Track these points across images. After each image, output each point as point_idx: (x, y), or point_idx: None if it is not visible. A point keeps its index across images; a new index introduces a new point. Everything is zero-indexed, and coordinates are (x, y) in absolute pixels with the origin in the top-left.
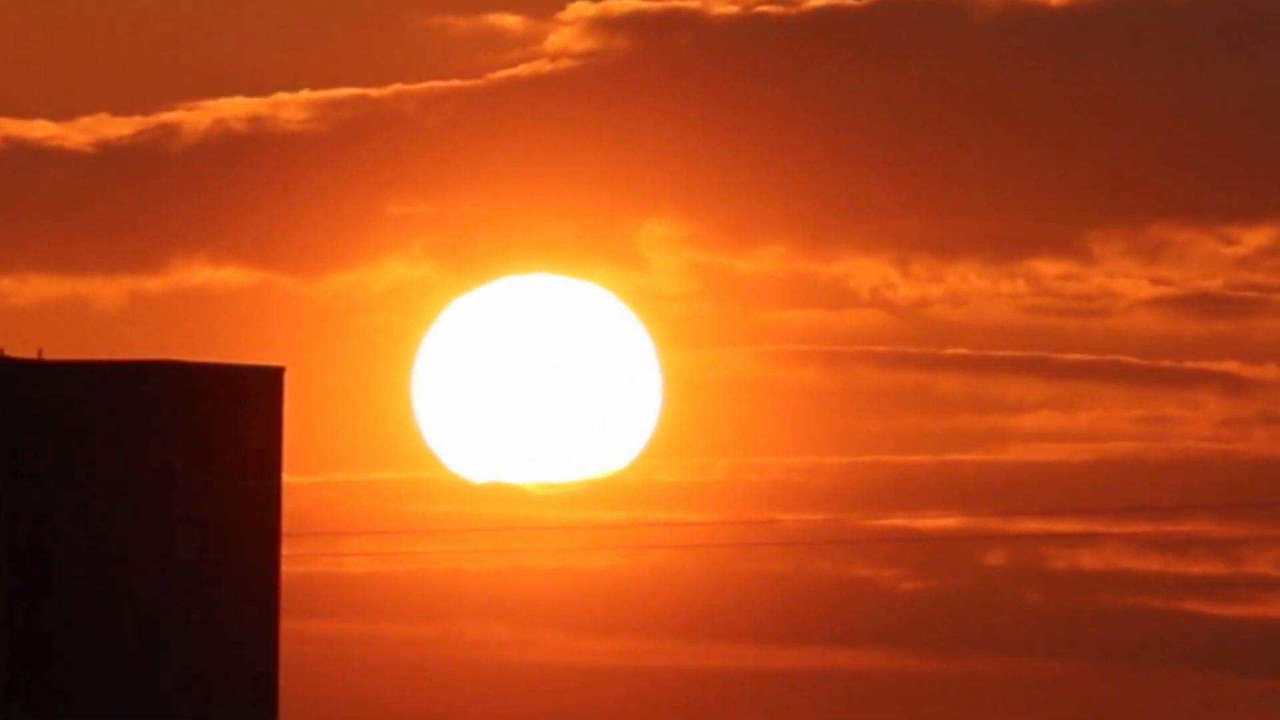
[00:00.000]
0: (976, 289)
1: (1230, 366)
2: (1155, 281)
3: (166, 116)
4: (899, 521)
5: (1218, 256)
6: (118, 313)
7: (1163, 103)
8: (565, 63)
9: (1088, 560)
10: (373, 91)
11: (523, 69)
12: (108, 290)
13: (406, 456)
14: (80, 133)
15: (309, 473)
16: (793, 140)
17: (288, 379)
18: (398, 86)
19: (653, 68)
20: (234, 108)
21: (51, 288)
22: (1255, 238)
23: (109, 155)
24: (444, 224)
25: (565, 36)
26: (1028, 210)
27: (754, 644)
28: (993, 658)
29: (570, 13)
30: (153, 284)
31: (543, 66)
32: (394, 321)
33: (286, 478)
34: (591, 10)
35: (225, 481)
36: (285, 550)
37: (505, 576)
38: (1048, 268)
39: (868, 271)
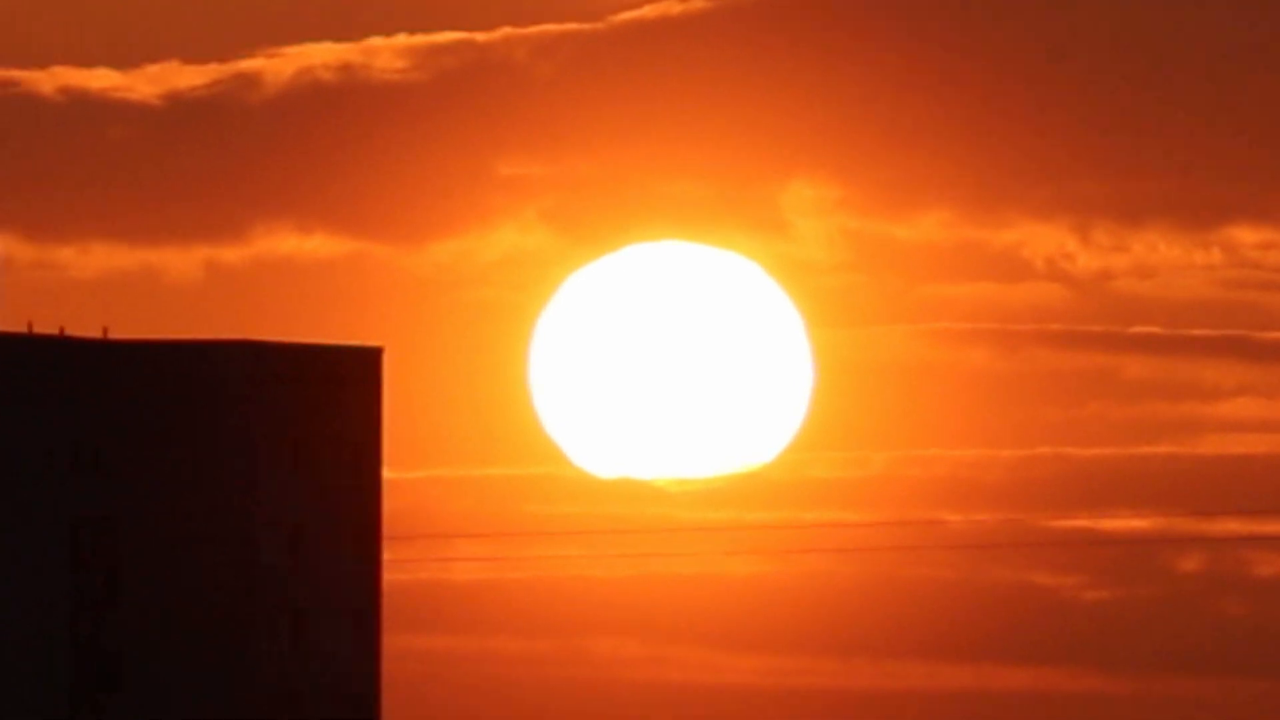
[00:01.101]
0: (1166, 259)
1: None
2: None
3: (245, 64)
4: (1082, 523)
5: None
6: (192, 286)
7: None
8: (696, 2)
9: None
10: (479, 36)
11: (649, 10)
12: (180, 261)
13: (523, 449)
14: (148, 83)
15: (412, 468)
16: (959, 91)
17: (386, 361)
18: (507, 30)
19: (796, 7)
20: (321, 54)
21: (117, 258)
22: None
23: (180, 108)
24: (561, 186)
25: None
26: (1224, 170)
27: (918, 661)
28: (1189, 677)
29: None
30: (231, 254)
31: (671, 7)
32: (506, 296)
33: (386, 473)
34: None
35: (316, 478)
36: (386, 555)
37: (636, 584)
38: (1247, 235)
39: (1043, 240)
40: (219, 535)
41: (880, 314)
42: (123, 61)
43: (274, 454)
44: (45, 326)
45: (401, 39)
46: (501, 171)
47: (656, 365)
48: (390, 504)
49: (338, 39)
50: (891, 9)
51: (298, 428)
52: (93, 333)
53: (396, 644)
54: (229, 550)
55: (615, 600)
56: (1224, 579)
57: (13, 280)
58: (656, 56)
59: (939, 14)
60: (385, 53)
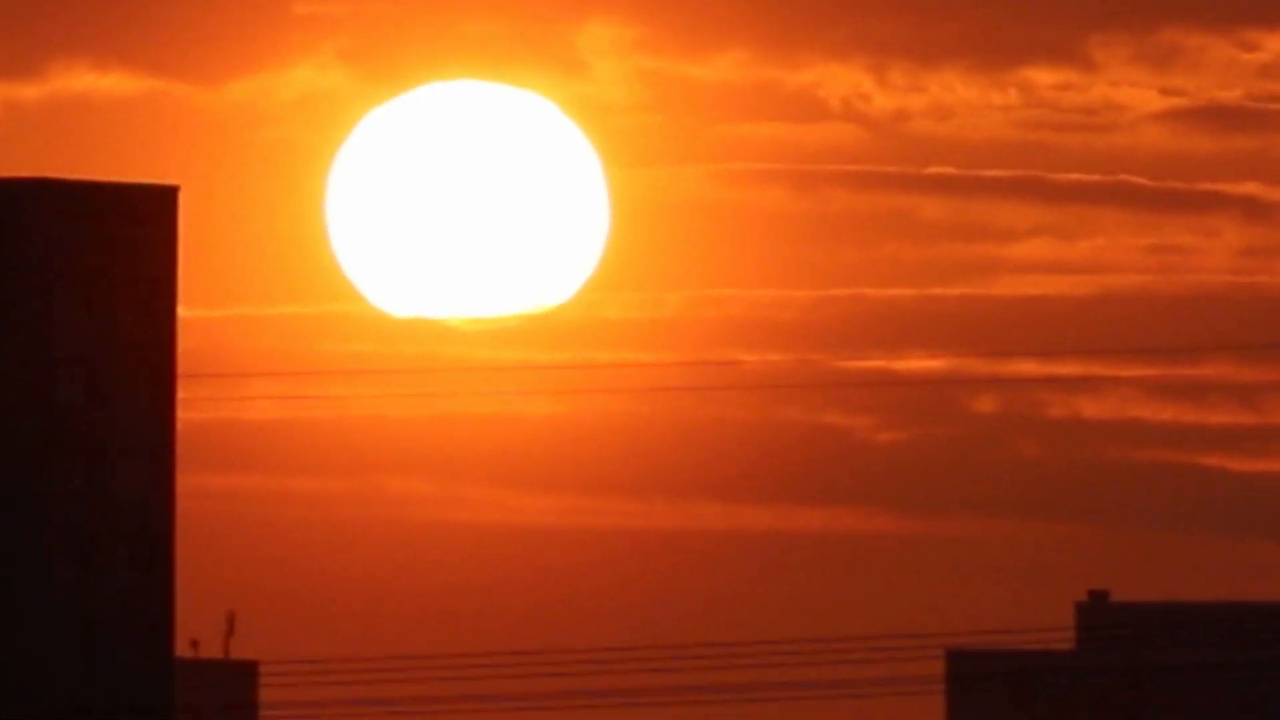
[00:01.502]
0: (963, 100)
1: (1251, 189)
2: (1166, 92)
3: None
4: (877, 363)
5: (1237, 63)
6: None
7: None
8: None
9: (1090, 408)
10: None
11: None
12: None
13: (319, 288)
14: None
15: (207, 306)
16: None
17: (182, 199)
18: None
19: None
20: None
21: None
22: (1278, 44)
23: None
24: (358, 25)
25: None
26: (1021, 11)
27: (713, 501)
28: (983, 518)
29: None
30: (27, 92)
31: None
32: (303, 135)
33: (182, 312)
34: None
35: (112, 316)
36: (181, 394)
37: (430, 424)
38: (1044, 76)
39: (839, 80)
40: (15, 373)
41: (677, 154)
42: None
43: (70, 292)
44: None
45: None
46: (298, 10)
47: (453, 204)
48: (185, 342)
49: None
50: None
51: (93, 266)
52: None
53: (191, 483)
54: (25, 388)
55: (408, 440)
56: (1018, 420)
57: None
58: None
59: None
60: None
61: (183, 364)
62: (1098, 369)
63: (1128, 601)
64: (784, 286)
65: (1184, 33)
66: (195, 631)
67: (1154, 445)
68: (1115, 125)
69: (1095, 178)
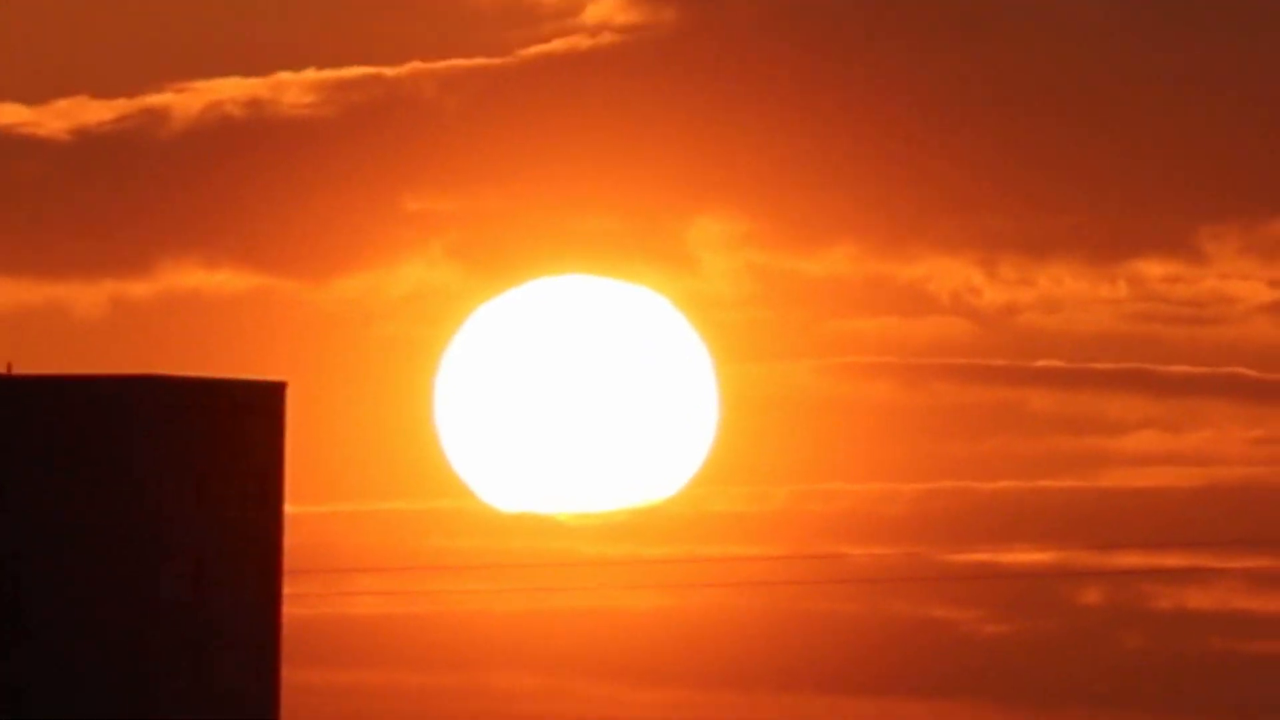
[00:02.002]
0: (1072, 293)
1: None
2: (1275, 284)
3: (153, 99)
4: (983, 556)
5: None
6: (98, 321)
7: None
8: (606, 37)
9: (1196, 600)
10: (387, 70)
11: (557, 44)
12: (87, 296)
13: (427, 483)
14: (56, 118)
15: (314, 502)
16: (864, 125)
17: (290, 395)
18: (415, 64)
19: (705, 42)
20: (230, 89)
21: (23, 293)
22: None
23: (88, 143)
24: (468, 221)
25: (606, 7)
26: (1130, 203)
27: (819, 695)
28: (1089, 710)
29: None
30: (138, 289)
31: (580, 41)
32: (412, 331)
33: (289, 508)
34: None
35: (219, 511)
36: (287, 589)
37: (537, 619)
38: (1153, 269)
39: (949, 274)
40: (123, 568)
41: (786, 349)
42: (31, 96)
43: (177, 487)
44: None
45: (310, 74)
46: (408, 206)
47: (562, 399)
48: (292, 538)
49: (246, 74)
50: (797, 43)
51: (201, 461)
52: None
53: (296, 678)
54: (132, 583)
55: (515, 635)
56: (1124, 612)
57: None
58: (564, 91)
59: (845, 48)
60: (293, 88)
61: (289, 559)
62: (1204, 560)
63: None
64: (891, 480)
65: None
66: None
67: (1261, 637)
68: (1225, 318)
69: (1204, 370)
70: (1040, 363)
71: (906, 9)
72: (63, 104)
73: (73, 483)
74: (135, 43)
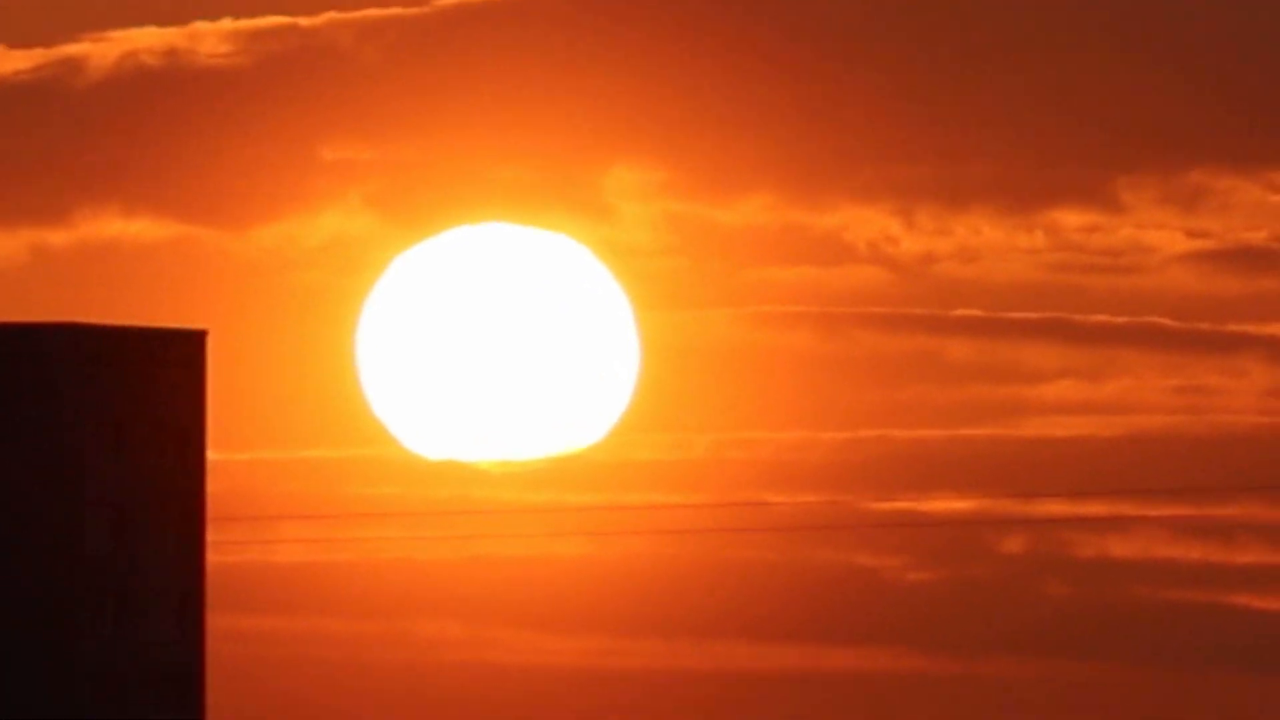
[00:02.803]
0: (989, 242)
1: (1278, 329)
2: (1192, 234)
3: (69, 49)
4: (905, 504)
5: (1264, 205)
6: (16, 270)
7: (1202, 31)
8: None
9: (1118, 548)
10: (303, 20)
11: None
12: (5, 245)
13: (348, 431)
14: None
15: (236, 449)
16: (781, 75)
17: (211, 344)
18: (331, 15)
19: None
20: (146, 39)
21: None
22: None
23: (4, 92)
24: (386, 170)
25: None
26: (1047, 154)
27: (742, 642)
28: (1011, 658)
29: None
30: (56, 237)
31: None
32: (332, 280)
33: (211, 455)
34: None
35: (141, 460)
36: (210, 537)
37: (460, 567)
38: (1070, 218)
39: (866, 223)
40: (43, 517)
41: (705, 297)
42: None
43: (98, 436)
44: None
45: (226, 23)
46: (326, 156)
47: (483, 347)
48: (215, 485)
49: (162, 24)
50: None
51: (122, 410)
52: None
53: (221, 625)
54: (53, 533)
55: (439, 582)
56: (1046, 560)
57: None
58: (480, 42)
59: (760, 0)
60: (210, 37)
61: (212, 507)
62: (1125, 509)
63: None
64: (812, 428)
65: (1211, 174)
66: None
67: (1182, 585)
68: (1142, 267)
69: (1122, 319)
70: (958, 312)
71: None
72: None
73: None
74: None
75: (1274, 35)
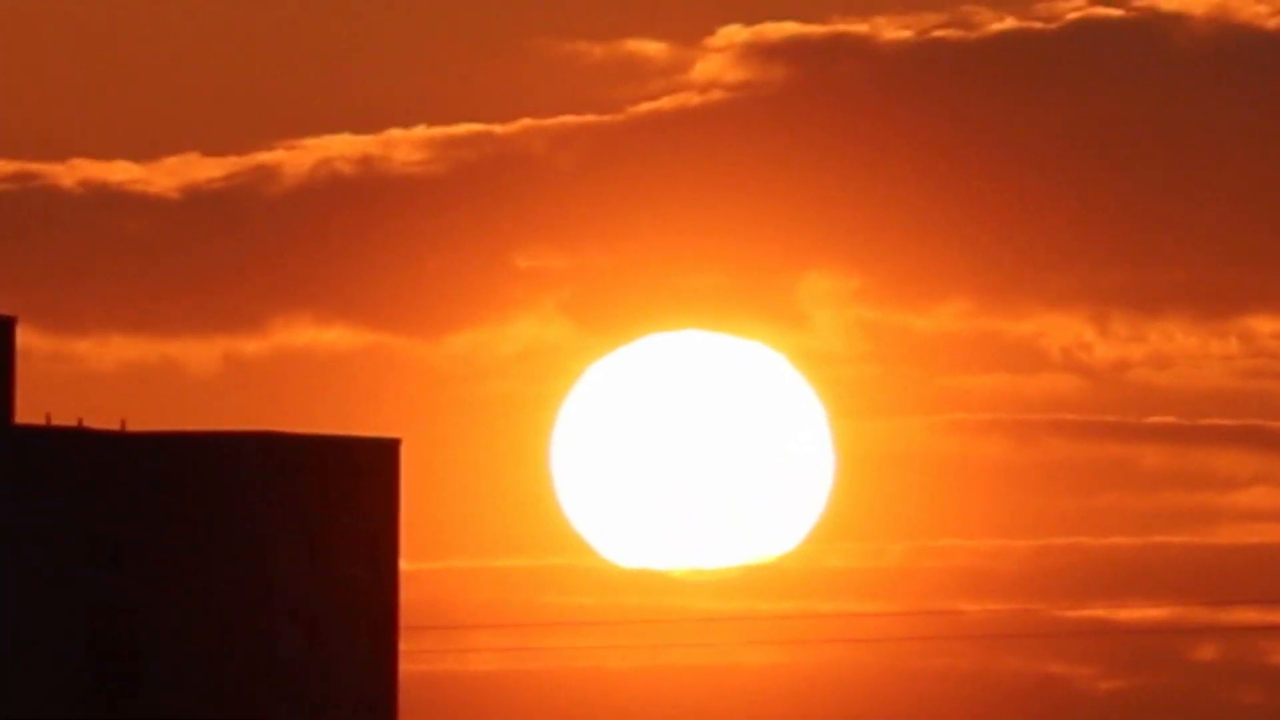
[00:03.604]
0: (1184, 349)
1: None
2: None
3: (264, 157)
4: (1098, 612)
5: None
6: (211, 378)
7: None
8: (715, 94)
9: None
10: (497, 128)
11: (666, 101)
12: (199, 353)
13: (542, 539)
14: (166, 176)
15: (429, 559)
16: (974, 182)
17: (404, 452)
18: (525, 122)
19: (814, 100)
20: (340, 146)
21: (136, 350)
22: None
23: (199, 201)
24: (579, 277)
25: (715, 65)
26: (1241, 259)
27: None
28: None
29: (720, 38)
30: (250, 346)
31: (690, 99)
32: (526, 388)
33: (405, 565)
34: (744, 35)
35: (333, 569)
36: (403, 646)
37: (652, 675)
38: (1265, 324)
39: (1060, 330)
40: (236, 626)
41: (899, 405)
42: (142, 154)
43: (291, 545)
44: (63, 418)
45: (420, 131)
46: (520, 263)
47: (677, 455)
48: (408, 595)
49: (357, 131)
50: (906, 99)
51: (315, 519)
52: (111, 424)
53: None
54: (246, 641)
55: (632, 691)
56: (1239, 668)
57: (31, 372)
58: (674, 148)
59: (954, 104)
60: (404, 145)
61: (405, 616)
62: None
63: None
64: (1005, 536)
65: None
66: None
67: None
68: None
69: None
70: (1152, 419)
71: (1014, 65)
72: (173, 161)
73: (187, 540)
74: (245, 100)
75: None
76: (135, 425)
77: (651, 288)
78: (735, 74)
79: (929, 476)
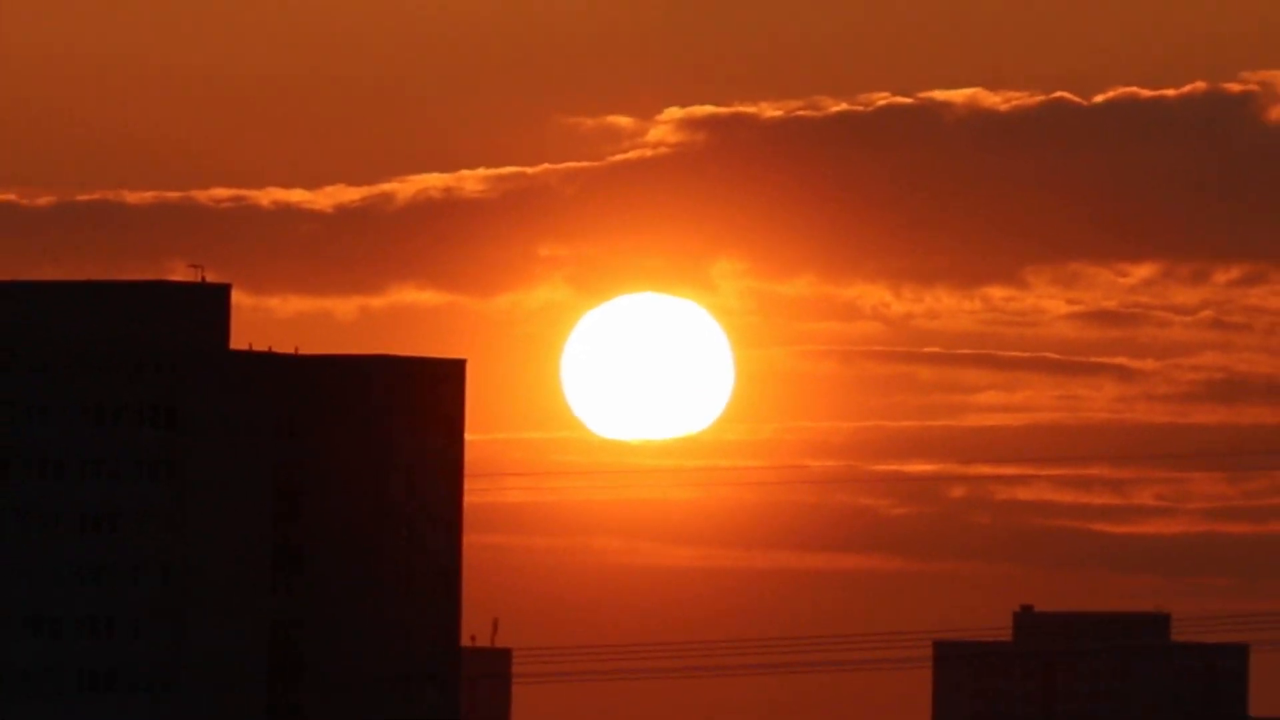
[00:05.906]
0: (946, 306)
1: (1121, 360)
2: (1070, 301)
3: (385, 186)
4: (893, 466)
5: (1113, 284)
6: (351, 323)
7: (1076, 178)
8: (663, 150)
9: (1022, 494)
10: (528, 169)
11: (632, 154)
12: (344, 306)
13: (552, 420)
14: (324, 197)
15: (485, 432)
16: (819, 205)
17: (469, 369)
18: (546, 166)
19: (722, 154)
20: (431, 180)
21: (304, 304)
22: (1139, 271)
23: (345, 214)
24: (578, 261)
25: (662, 131)
26: (984, 252)
27: (791, 552)
28: (954, 561)
29: (666, 115)
30: (376, 302)
31: (646, 153)
32: (544, 330)
33: (469, 436)
34: (680, 113)
35: (426, 439)
36: (467, 486)
37: (619, 506)
38: (996, 292)
39: (871, 295)
40: (366, 476)
41: (771, 340)
42: (309, 183)
43: (400, 425)
44: (260, 347)
45: (481, 170)
46: (540, 253)
47: (638, 369)
48: (470, 455)
49: (441, 170)
50: (781, 153)
51: (416, 409)
52: (289, 350)
53: (471, 541)
54: (371, 485)
55: (605, 515)
56: (977, 502)
57: (239, 320)
58: (638, 184)
59: (809, 156)
60: (470, 180)
61: (469, 468)
62: (1026, 470)
63: None
64: (835, 420)
65: (1082, 264)
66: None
67: (1060, 516)
68: (1039, 322)
69: (1027, 354)
70: (926, 349)
71: (846, 133)
72: (329, 188)
73: (337, 420)
74: (373, 148)
75: (1122, 179)
76: (304, 350)
77: (623, 267)
78: (675, 137)
79: (791, 384)
